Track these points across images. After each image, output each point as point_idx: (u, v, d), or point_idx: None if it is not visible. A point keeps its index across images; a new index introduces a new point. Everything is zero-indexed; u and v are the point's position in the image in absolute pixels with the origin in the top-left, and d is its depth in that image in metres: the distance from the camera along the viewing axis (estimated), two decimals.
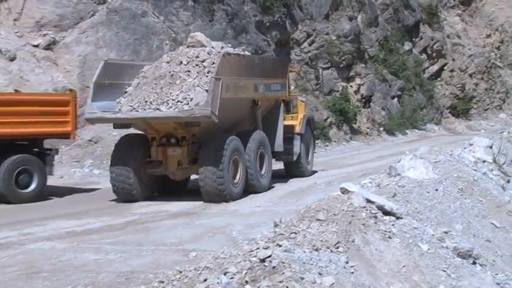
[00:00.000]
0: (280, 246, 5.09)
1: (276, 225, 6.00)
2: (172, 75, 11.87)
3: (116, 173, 12.01)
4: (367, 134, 25.22)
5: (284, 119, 14.33)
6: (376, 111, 26.78)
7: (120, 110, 11.82)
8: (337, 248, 5.34)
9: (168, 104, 11.48)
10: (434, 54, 32.53)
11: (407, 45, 30.89)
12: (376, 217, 6.04)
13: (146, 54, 19.36)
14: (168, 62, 12.29)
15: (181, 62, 12.08)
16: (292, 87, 15.76)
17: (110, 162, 12.32)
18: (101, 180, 14.60)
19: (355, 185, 6.68)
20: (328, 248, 5.29)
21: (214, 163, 11.54)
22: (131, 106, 11.74)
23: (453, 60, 34.08)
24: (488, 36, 38.79)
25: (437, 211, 7.15)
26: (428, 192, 7.52)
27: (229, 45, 13.86)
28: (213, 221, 10.06)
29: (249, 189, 12.46)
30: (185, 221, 10.13)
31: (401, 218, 6.33)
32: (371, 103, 26.73)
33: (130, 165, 11.95)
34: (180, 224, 9.91)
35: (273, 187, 13.52)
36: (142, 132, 12.39)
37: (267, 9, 22.87)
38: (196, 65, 11.94)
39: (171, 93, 11.60)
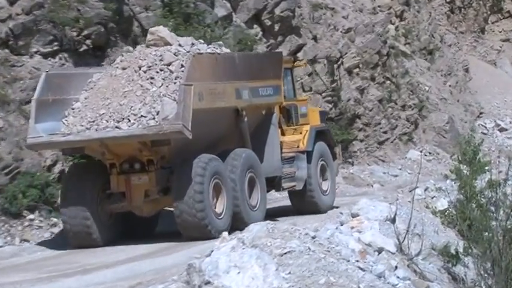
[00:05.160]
0: None
1: None
2: (131, 84, 17.69)
3: (68, 214, 17.90)
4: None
5: (284, 133, 21.07)
6: None
7: (70, 131, 17.18)
8: None
9: (129, 120, 17.16)
10: (277, 28, 33.39)
11: (221, 9, 31.45)
12: None
13: None
14: (124, 69, 18.08)
15: (140, 68, 17.92)
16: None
17: (60, 201, 18.20)
18: None
19: None
20: None
21: (191, 192, 17.29)
22: (83, 126, 17.22)
23: (314, 39, 34.73)
24: None
25: None
26: None
27: (201, 40, 19.05)
28: None
29: (237, 224, 17.87)
30: None
31: None
32: None
33: (86, 202, 17.81)
34: None
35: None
36: (98, 158, 17.99)
37: None
38: (161, 70, 17.93)
39: (131, 106, 17.34)
